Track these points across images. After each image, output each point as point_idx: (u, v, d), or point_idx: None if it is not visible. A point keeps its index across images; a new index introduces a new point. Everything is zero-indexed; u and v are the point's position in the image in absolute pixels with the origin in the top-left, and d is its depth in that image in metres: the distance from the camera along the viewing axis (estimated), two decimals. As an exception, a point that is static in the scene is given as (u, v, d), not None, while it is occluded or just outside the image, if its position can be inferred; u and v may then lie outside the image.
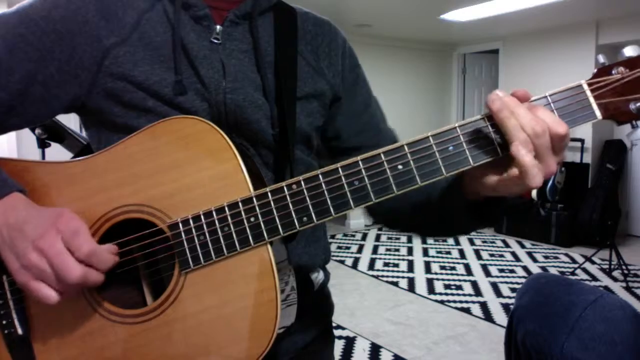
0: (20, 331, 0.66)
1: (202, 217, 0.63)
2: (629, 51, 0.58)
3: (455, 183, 0.68)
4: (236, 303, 0.62)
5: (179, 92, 0.71)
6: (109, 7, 0.71)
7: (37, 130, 1.85)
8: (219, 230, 0.62)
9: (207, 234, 0.63)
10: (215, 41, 0.74)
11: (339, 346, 2.88)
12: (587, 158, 5.34)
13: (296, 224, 0.61)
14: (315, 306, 0.88)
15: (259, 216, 0.62)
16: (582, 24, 5.26)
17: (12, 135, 3.84)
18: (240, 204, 0.62)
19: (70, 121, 1.65)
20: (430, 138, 0.59)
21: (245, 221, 0.62)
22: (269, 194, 0.62)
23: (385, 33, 5.85)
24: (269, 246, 0.62)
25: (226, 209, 0.62)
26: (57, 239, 0.58)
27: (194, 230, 0.63)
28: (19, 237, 0.59)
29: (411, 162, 0.59)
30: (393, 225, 0.89)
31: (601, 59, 0.59)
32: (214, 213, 0.63)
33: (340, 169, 0.61)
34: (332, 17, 0.88)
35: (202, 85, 0.72)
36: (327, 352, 0.93)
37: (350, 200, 0.60)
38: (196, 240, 0.63)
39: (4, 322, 0.66)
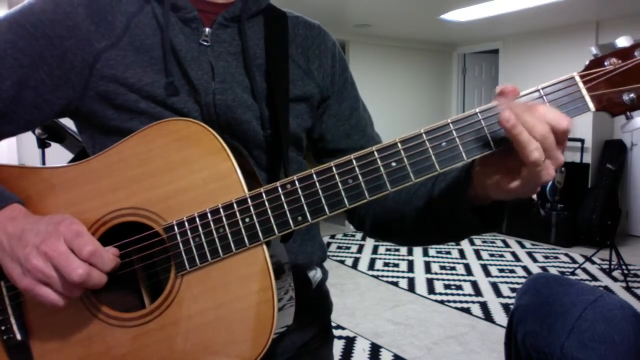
0: (19, 337, 0.66)
1: (197, 219, 0.63)
2: (622, 42, 0.56)
3: (461, 190, 0.66)
4: (233, 304, 0.62)
5: (171, 93, 0.71)
6: (98, 11, 0.71)
7: (37, 131, 1.86)
8: (214, 231, 0.62)
9: (202, 236, 0.62)
10: (204, 43, 0.74)
11: (339, 346, 2.88)
12: (587, 158, 5.33)
13: (291, 223, 0.61)
14: (313, 304, 0.88)
15: (254, 217, 0.61)
16: (582, 24, 5.26)
17: (12, 136, 3.84)
18: (234, 204, 0.62)
19: (70, 121, 1.65)
20: (423, 134, 0.59)
21: (240, 222, 0.62)
22: (264, 194, 0.61)
23: (385, 33, 5.85)
24: (264, 246, 0.62)
25: (221, 210, 0.62)
26: (60, 241, 0.58)
27: (189, 232, 0.63)
28: (19, 244, 0.59)
29: (404, 159, 0.59)
30: (385, 231, 0.86)
31: (594, 50, 0.58)
32: (209, 214, 0.62)
33: (334, 168, 0.60)
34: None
35: (192, 87, 0.72)
36: (325, 351, 0.92)
37: (345, 199, 0.60)
38: (191, 242, 0.63)
39: (3, 327, 0.66)
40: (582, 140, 5.25)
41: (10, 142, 3.99)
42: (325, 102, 0.84)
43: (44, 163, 2.15)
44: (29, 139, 1.99)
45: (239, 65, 0.76)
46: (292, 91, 0.78)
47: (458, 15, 4.89)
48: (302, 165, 0.83)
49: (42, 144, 1.93)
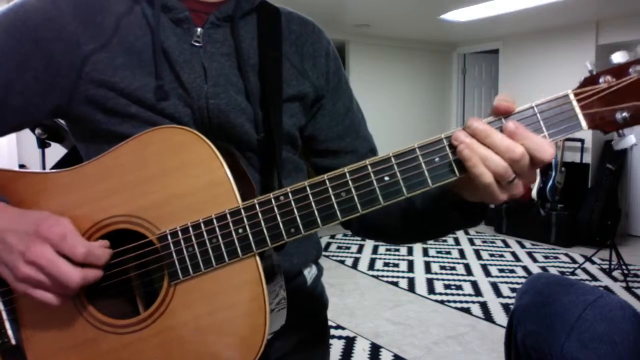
0: (13, 341, 0.66)
1: (190, 229, 0.63)
2: (617, 57, 0.56)
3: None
4: (226, 312, 0.62)
5: (160, 97, 0.69)
6: (86, 13, 0.69)
7: (37, 131, 1.86)
8: (207, 242, 0.62)
9: (195, 246, 0.63)
10: (196, 44, 0.72)
11: (339, 346, 2.88)
12: (587, 158, 5.34)
13: (284, 235, 0.61)
14: (309, 301, 0.88)
15: (247, 228, 0.61)
16: (582, 24, 5.26)
17: (12, 135, 3.85)
18: (228, 215, 0.62)
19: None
20: (417, 149, 0.59)
21: (233, 233, 0.62)
22: (257, 205, 0.61)
23: (385, 33, 5.85)
24: (257, 257, 0.62)
25: (214, 220, 0.62)
26: (45, 247, 0.58)
27: (182, 242, 0.63)
28: (4, 249, 0.60)
29: (398, 173, 0.59)
30: (372, 232, 0.86)
31: (589, 66, 0.57)
32: (202, 225, 0.62)
33: (327, 181, 0.60)
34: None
35: (184, 91, 0.71)
36: (321, 351, 0.92)
37: (338, 212, 0.60)
38: (185, 252, 0.63)
39: None
40: (582, 140, 5.25)
41: (11, 142, 3.99)
42: (319, 101, 0.83)
43: (43, 163, 2.15)
44: (29, 139, 1.99)
45: (233, 65, 0.74)
46: (286, 91, 0.77)
47: (458, 15, 4.89)
48: (298, 165, 0.82)
49: (42, 144, 1.93)
